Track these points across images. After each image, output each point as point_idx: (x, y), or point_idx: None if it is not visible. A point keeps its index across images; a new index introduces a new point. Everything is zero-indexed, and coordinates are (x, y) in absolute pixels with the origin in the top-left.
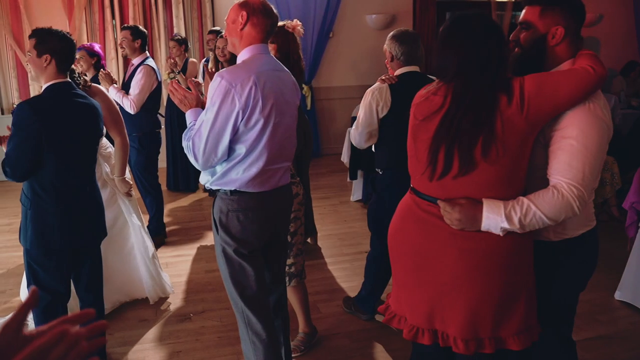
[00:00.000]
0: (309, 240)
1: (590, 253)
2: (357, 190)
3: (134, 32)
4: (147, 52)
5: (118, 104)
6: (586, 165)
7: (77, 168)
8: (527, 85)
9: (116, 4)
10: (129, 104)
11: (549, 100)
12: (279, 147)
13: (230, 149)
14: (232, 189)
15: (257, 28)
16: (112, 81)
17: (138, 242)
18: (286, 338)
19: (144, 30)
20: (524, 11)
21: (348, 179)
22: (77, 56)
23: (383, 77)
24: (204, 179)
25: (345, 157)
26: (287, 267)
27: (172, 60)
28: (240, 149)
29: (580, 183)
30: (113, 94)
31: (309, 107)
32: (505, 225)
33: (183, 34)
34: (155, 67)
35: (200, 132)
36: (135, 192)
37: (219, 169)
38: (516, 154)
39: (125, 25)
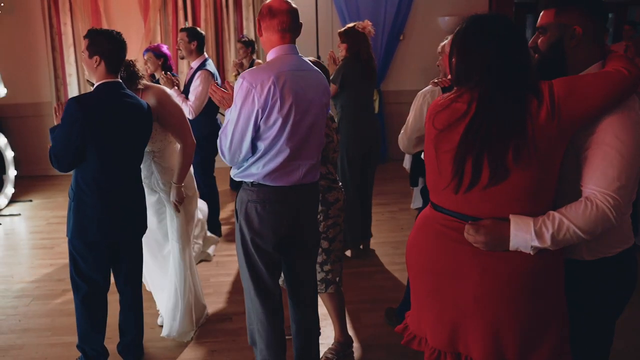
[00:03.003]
0: (360, 246)
1: (627, 274)
2: (417, 197)
3: (191, 33)
4: (205, 54)
5: None
6: (622, 173)
7: (120, 165)
8: (556, 89)
9: (189, 6)
10: (188, 110)
11: (581, 103)
12: (301, 145)
13: (253, 146)
14: (252, 181)
15: (269, 31)
16: (173, 84)
17: (173, 269)
18: (314, 342)
19: (202, 32)
20: (540, 16)
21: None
22: (145, 57)
23: (436, 80)
24: (232, 172)
25: (407, 163)
26: (324, 274)
27: (239, 62)
28: (261, 146)
29: (616, 192)
30: (174, 97)
31: (376, 111)
32: (536, 243)
33: (252, 36)
34: (213, 70)
35: (226, 131)
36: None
37: (244, 163)
38: (546, 160)
39: (183, 27)
